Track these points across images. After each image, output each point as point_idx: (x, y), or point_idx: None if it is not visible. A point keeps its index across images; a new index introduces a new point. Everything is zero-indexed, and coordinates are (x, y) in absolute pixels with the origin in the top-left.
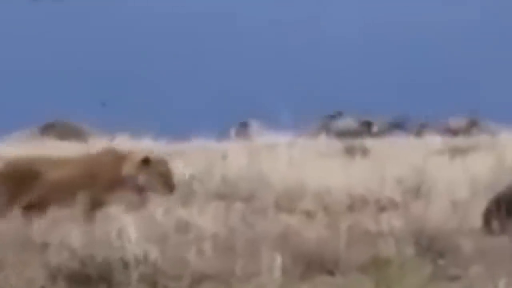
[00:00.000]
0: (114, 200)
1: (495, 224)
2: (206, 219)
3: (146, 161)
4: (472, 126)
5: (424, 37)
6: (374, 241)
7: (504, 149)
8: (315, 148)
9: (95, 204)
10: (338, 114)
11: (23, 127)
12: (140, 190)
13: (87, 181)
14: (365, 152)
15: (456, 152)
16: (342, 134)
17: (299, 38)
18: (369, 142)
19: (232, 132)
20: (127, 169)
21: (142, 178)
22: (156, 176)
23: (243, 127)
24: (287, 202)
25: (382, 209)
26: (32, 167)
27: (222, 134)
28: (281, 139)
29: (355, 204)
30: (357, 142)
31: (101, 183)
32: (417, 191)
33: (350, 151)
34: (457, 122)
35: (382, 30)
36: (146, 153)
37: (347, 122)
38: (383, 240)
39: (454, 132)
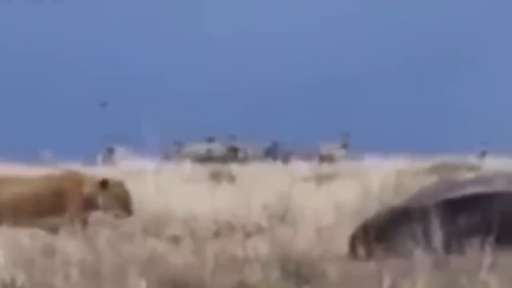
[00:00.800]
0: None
1: (361, 249)
2: (73, 244)
3: (104, 184)
4: (343, 150)
5: (293, 63)
6: (240, 266)
7: (370, 175)
8: (181, 174)
9: (81, 223)
10: (209, 140)
11: None
12: (97, 210)
13: (54, 201)
14: (231, 178)
15: (322, 178)
16: (209, 159)
17: (169, 62)
18: (235, 168)
19: (99, 157)
20: (87, 190)
21: (100, 200)
22: (114, 199)
23: (110, 152)
24: (154, 227)
25: (248, 235)
26: None
27: (88, 159)
28: (147, 164)
29: (221, 230)
30: (223, 168)
31: (73, 203)
32: (283, 217)
33: (216, 177)
34: (328, 147)
35: (253, 55)
36: (104, 176)
37: (214, 147)
38: (249, 265)
39: (326, 158)
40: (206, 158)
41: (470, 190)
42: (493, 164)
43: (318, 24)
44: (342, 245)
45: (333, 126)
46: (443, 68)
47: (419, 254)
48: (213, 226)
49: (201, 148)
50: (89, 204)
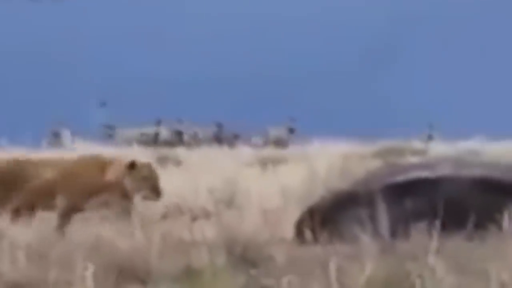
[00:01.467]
0: (93, 206)
1: (307, 234)
2: (20, 228)
3: (132, 166)
4: (290, 134)
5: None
6: (187, 250)
7: (316, 159)
8: (128, 158)
9: (71, 209)
10: (157, 123)
11: None
12: (126, 194)
13: (67, 186)
14: (177, 162)
15: (268, 163)
16: (154, 143)
17: (108, 45)
18: (181, 152)
19: (45, 141)
20: (113, 174)
21: (128, 183)
22: (142, 181)
23: (56, 136)
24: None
25: (194, 219)
26: (18, 170)
27: (34, 143)
28: (93, 148)
29: (168, 214)
30: (169, 152)
31: (80, 187)
32: (229, 202)
33: (162, 161)
34: (275, 131)
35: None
36: (132, 158)
37: (159, 131)
38: (196, 249)
39: (273, 142)
40: (151, 142)
41: (416, 175)
42: (439, 148)
43: (260, 16)
44: (288, 229)
45: (280, 110)
46: (389, 53)
47: (365, 238)
48: (160, 209)
49: (134, 132)
50: (117, 188)
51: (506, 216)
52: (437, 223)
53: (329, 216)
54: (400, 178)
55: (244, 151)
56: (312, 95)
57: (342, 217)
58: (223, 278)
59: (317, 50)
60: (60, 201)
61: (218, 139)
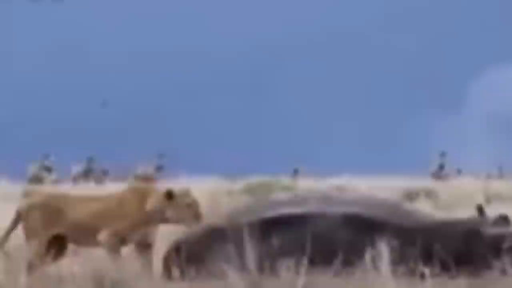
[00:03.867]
0: (136, 237)
1: (174, 270)
2: None
3: (169, 195)
4: (158, 171)
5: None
6: (54, 286)
7: None
8: None
9: (119, 240)
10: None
11: None
12: (166, 223)
13: (111, 219)
14: None
15: None
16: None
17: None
18: (48, 189)
19: None
20: (152, 204)
21: (168, 212)
22: (182, 208)
23: None
24: None
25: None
26: (59, 204)
27: None
28: None
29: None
30: (36, 188)
31: (124, 220)
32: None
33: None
34: (144, 167)
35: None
36: (169, 187)
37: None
38: (64, 285)
39: (142, 178)
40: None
41: (284, 210)
42: (307, 184)
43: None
44: (157, 265)
45: (150, 146)
46: (256, 89)
47: (232, 274)
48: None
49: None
50: (156, 218)
51: (372, 253)
52: (305, 259)
53: (196, 251)
54: (268, 214)
55: (113, 188)
56: (180, 132)
57: (209, 253)
58: None
59: (184, 83)
60: (105, 235)
61: (87, 175)
